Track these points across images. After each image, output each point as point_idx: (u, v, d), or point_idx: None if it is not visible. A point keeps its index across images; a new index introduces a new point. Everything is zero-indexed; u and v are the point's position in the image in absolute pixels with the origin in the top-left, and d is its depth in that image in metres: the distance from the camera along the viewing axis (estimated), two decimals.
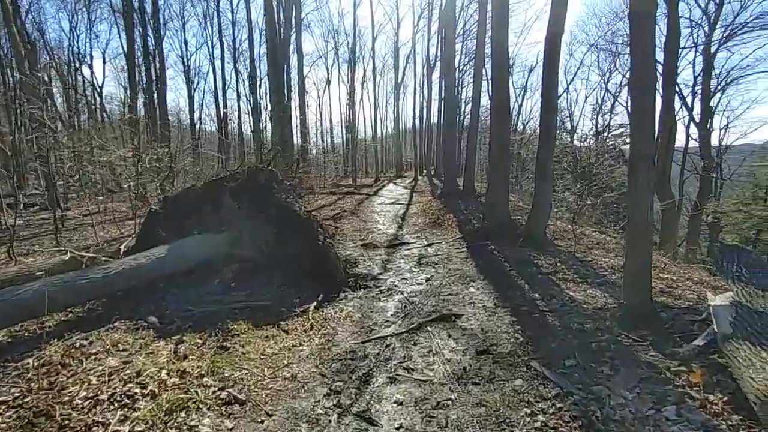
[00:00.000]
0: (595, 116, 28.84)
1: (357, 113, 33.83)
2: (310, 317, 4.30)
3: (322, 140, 40.96)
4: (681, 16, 14.18)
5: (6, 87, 19.11)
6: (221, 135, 28.00)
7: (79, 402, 2.67)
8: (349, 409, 2.75)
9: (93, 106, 27.65)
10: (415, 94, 33.08)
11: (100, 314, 4.28)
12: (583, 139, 23.12)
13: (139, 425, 2.48)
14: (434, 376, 3.15)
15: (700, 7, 17.96)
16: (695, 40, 18.31)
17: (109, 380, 2.93)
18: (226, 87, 29.28)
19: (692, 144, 19.45)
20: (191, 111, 29.60)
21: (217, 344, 3.62)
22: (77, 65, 26.84)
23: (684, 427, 2.34)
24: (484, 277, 5.72)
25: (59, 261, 5.26)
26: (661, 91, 12.59)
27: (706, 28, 17.77)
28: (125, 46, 18.58)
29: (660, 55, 12.61)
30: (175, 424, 2.52)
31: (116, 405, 2.65)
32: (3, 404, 2.66)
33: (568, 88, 31.17)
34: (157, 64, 21.91)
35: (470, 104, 20.02)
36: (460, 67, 27.83)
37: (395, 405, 2.79)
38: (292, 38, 21.27)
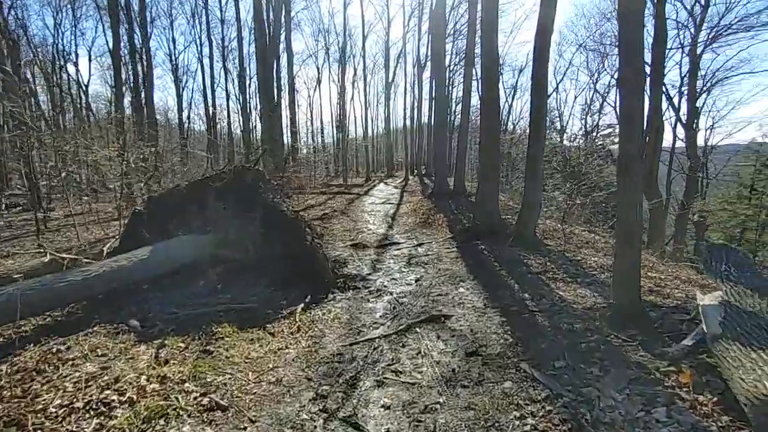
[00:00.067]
0: (584, 116, 29.15)
1: (348, 113, 33.85)
2: (297, 319, 4.22)
3: (313, 140, 40.85)
4: (668, 18, 14.37)
5: None
6: (210, 134, 27.72)
7: (54, 410, 2.56)
8: (335, 414, 2.68)
9: (78, 105, 27.16)
10: (405, 93, 33.15)
11: (79, 318, 4.15)
12: (572, 139, 23.33)
13: None
14: (422, 378, 3.09)
15: (686, 8, 18.22)
16: (682, 42, 18.60)
17: (85, 387, 2.82)
18: (215, 86, 28.97)
19: (679, 144, 19.74)
20: (180, 110, 29.30)
21: (200, 348, 3.53)
22: (62, 63, 26.36)
23: (674, 429, 2.31)
24: (473, 277, 5.69)
25: (38, 263, 5.11)
26: (648, 91, 12.72)
27: (692, 30, 18.04)
28: (111, 44, 18.20)
29: (647, 56, 12.74)
30: None
31: (92, 413, 2.55)
32: None
33: (557, 88, 31.44)
34: (144, 63, 21.55)
35: (461, 104, 20.02)
36: (451, 67, 27.88)
37: (382, 409, 2.73)
38: (282, 37, 21.14)
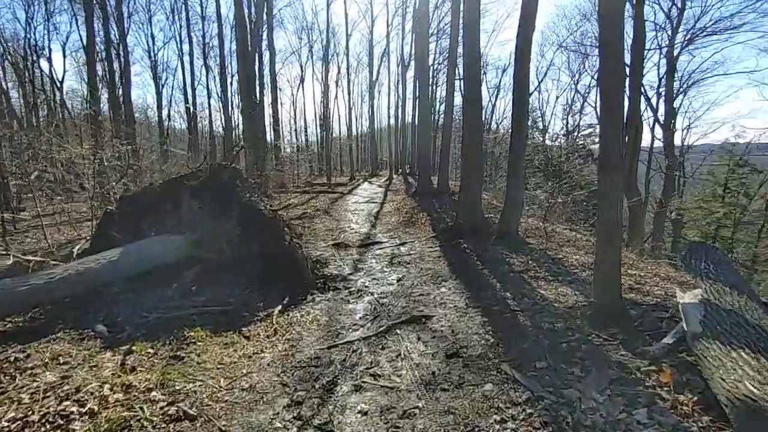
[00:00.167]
0: (565, 116, 29.57)
1: (332, 111, 33.55)
2: (274, 322, 4.09)
3: (297, 138, 40.42)
4: (646, 20, 14.61)
5: None
6: (191, 133, 27.15)
7: (6, 424, 2.39)
8: (309, 422, 2.56)
9: (52, 102, 26.26)
10: (390, 92, 32.83)
11: (43, 323, 3.94)
12: (554, 139, 23.58)
13: None
14: (402, 382, 3.00)
15: (663, 11, 18.60)
16: (659, 43, 18.97)
17: (43, 398, 2.65)
18: (196, 84, 28.36)
19: (657, 144, 20.16)
20: (159, 108, 28.52)
21: (170, 354, 3.37)
22: (35, 58, 25.45)
23: (655, 431, 2.27)
24: (456, 276, 5.63)
25: (1, 266, 4.86)
26: (627, 92, 12.89)
27: (669, 32, 18.43)
28: (85, 39, 17.65)
29: (627, 58, 12.92)
30: None
31: (48, 427, 2.38)
32: None
33: (539, 87, 31.81)
34: (122, 59, 20.98)
35: (444, 103, 20.02)
36: (435, 66, 27.89)
37: (359, 415, 2.63)
38: (264, 34, 20.81)
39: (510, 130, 8.09)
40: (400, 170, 29.01)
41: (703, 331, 2.64)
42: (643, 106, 17.85)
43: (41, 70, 26.16)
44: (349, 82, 30.50)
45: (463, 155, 9.20)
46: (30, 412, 2.49)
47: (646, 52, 15.30)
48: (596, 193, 4.05)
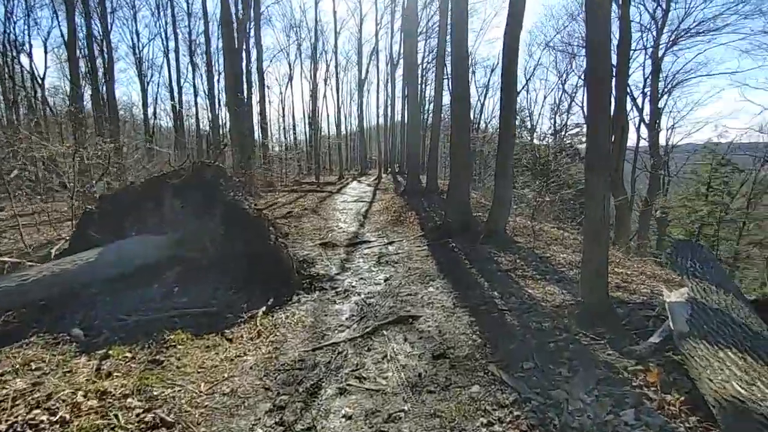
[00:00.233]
0: (553, 116, 29.80)
1: (320, 110, 33.32)
2: (258, 323, 3.99)
3: (285, 137, 40.12)
4: (632, 20, 14.77)
5: None
6: (177, 131, 26.73)
7: None
8: (292, 427, 2.49)
9: (33, 99, 25.61)
10: (379, 91, 32.74)
11: (16, 327, 3.77)
12: (542, 138, 23.77)
13: None
14: (387, 384, 2.94)
15: (648, 12, 18.82)
16: (645, 44, 19.19)
17: (12, 407, 2.52)
18: (182, 81, 27.92)
19: (642, 143, 20.43)
20: (144, 105, 27.95)
21: (149, 358, 3.26)
22: (14, 54, 24.76)
23: None
24: (443, 275, 5.59)
25: None
26: (614, 92, 13.01)
27: (654, 33, 18.65)
28: (66, 35, 17.22)
29: (613, 58, 13.04)
30: None
31: None
32: None
33: (527, 87, 31.98)
34: (105, 55, 20.54)
35: (433, 102, 20.01)
36: (424, 65, 27.84)
37: (344, 420, 2.56)
38: (252, 31, 20.57)
39: (498, 129, 8.09)
40: (390, 169, 28.95)
41: (690, 330, 2.62)
42: (629, 106, 18.12)
43: (21, 66, 25.45)
44: (338, 80, 30.32)
45: (452, 154, 9.17)
46: None
47: (631, 52, 15.48)
48: (583, 192, 4.04)
